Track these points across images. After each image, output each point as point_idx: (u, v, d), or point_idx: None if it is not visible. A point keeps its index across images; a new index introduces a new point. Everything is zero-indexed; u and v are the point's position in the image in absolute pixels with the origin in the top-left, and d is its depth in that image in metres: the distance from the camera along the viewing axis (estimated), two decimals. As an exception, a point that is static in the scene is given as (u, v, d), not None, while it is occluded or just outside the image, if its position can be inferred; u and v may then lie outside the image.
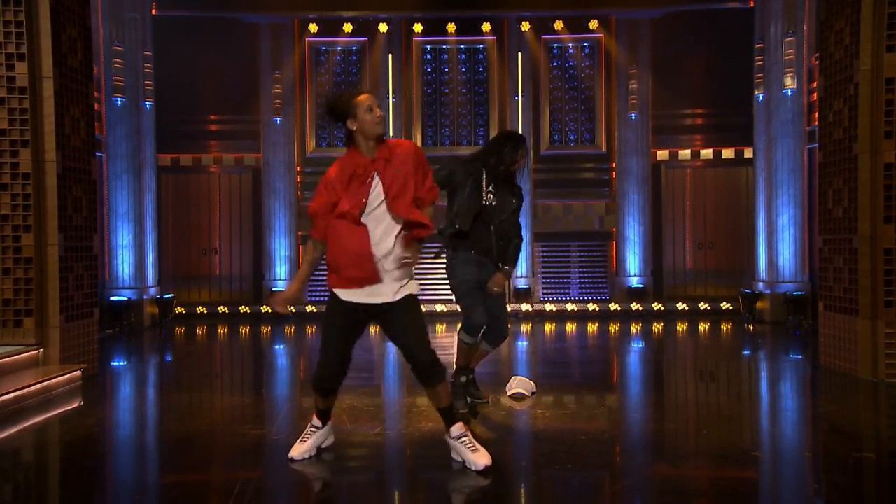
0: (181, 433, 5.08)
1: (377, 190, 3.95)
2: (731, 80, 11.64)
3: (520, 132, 6.38)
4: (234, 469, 4.30)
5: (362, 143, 4.03)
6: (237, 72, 11.95)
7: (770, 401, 6.40)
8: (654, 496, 3.86)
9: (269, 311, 11.79)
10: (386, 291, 4.01)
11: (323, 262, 4.20)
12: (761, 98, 11.06)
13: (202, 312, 11.83)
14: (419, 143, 12.12)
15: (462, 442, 4.16)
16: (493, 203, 5.34)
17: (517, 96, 12.01)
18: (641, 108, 11.93)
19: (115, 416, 5.90)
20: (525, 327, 10.64)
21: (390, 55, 12.00)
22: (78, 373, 6.55)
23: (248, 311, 11.87)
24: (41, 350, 6.57)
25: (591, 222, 12.07)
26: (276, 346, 9.63)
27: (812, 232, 10.42)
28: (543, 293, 12.11)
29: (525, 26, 11.95)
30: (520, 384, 5.97)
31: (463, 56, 12.25)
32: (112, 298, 10.53)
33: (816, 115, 8.15)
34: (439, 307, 11.94)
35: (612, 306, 11.84)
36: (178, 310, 11.64)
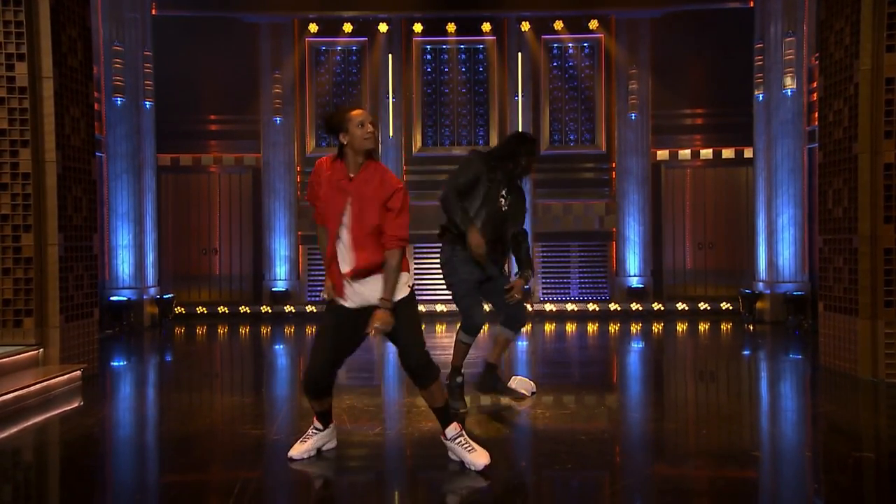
0: (181, 433, 5.08)
1: (346, 214, 3.99)
2: (731, 80, 11.65)
3: (530, 134, 6.39)
4: (234, 469, 4.30)
5: (350, 158, 4.04)
6: (237, 72, 11.95)
7: (770, 401, 6.40)
8: (654, 496, 3.86)
9: (269, 310, 11.80)
10: (369, 297, 4.02)
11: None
12: (761, 98, 11.06)
13: (202, 312, 11.83)
14: (419, 143, 12.13)
15: (458, 443, 4.17)
16: (506, 208, 5.35)
17: (517, 96, 12.01)
18: (641, 108, 11.93)
19: (115, 416, 5.90)
20: (525, 327, 10.61)
21: (390, 55, 12.00)
22: (78, 373, 6.56)
23: (248, 311, 11.87)
24: (41, 350, 6.57)
25: (591, 222, 12.07)
26: (276, 346, 9.63)
27: (812, 232, 10.42)
28: (543, 293, 12.11)
29: (525, 26, 11.95)
30: (519, 384, 5.97)
31: (463, 56, 12.24)
32: (112, 298, 10.54)
33: (816, 115, 8.15)
34: (439, 307, 11.93)
35: (612, 306, 11.84)
36: (178, 310, 11.64)
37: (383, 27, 11.92)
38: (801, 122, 10.67)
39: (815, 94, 8.75)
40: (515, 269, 6.10)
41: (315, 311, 11.77)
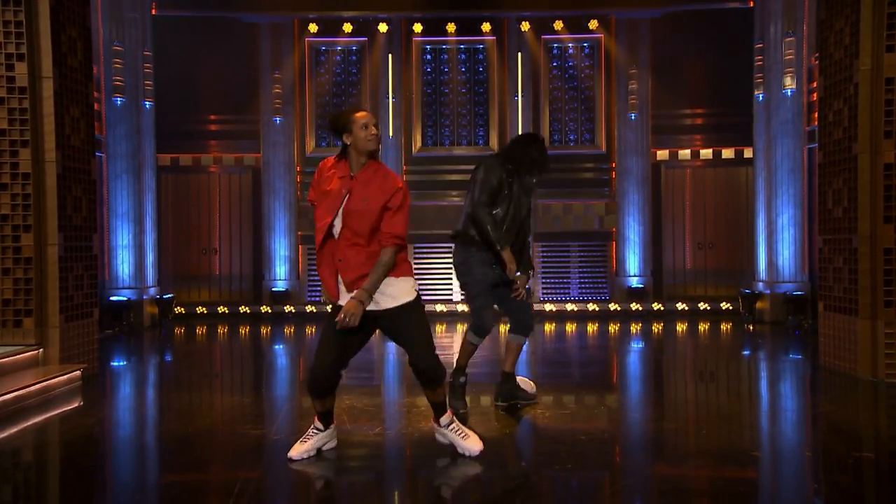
0: (181, 433, 5.07)
1: (341, 213, 4.00)
2: (731, 80, 11.65)
3: (539, 135, 6.50)
4: (234, 469, 4.30)
5: (354, 158, 4.07)
6: (237, 72, 11.95)
7: (770, 401, 6.40)
8: (654, 496, 3.86)
9: (269, 310, 11.80)
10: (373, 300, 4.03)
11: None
12: (761, 98, 11.06)
13: (202, 312, 11.83)
14: (419, 143, 12.13)
15: (452, 429, 4.27)
16: (522, 209, 5.38)
17: (517, 96, 12.02)
18: (641, 108, 11.93)
19: (115, 416, 5.90)
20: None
21: (390, 55, 12.00)
22: (78, 373, 6.55)
23: (248, 311, 11.86)
24: (41, 350, 6.57)
25: (590, 222, 12.07)
26: (276, 347, 9.63)
27: (812, 232, 10.42)
28: (543, 293, 12.11)
29: (525, 26, 11.95)
30: (519, 384, 5.96)
31: (463, 56, 12.24)
32: (112, 298, 10.53)
33: (816, 115, 8.14)
34: (439, 307, 11.94)
35: (612, 306, 11.84)
36: (178, 310, 11.64)
37: (383, 27, 11.92)
38: (800, 122, 10.67)
39: (815, 94, 8.75)
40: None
41: (315, 311, 11.77)
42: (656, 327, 10.59)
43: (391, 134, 11.89)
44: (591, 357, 8.70)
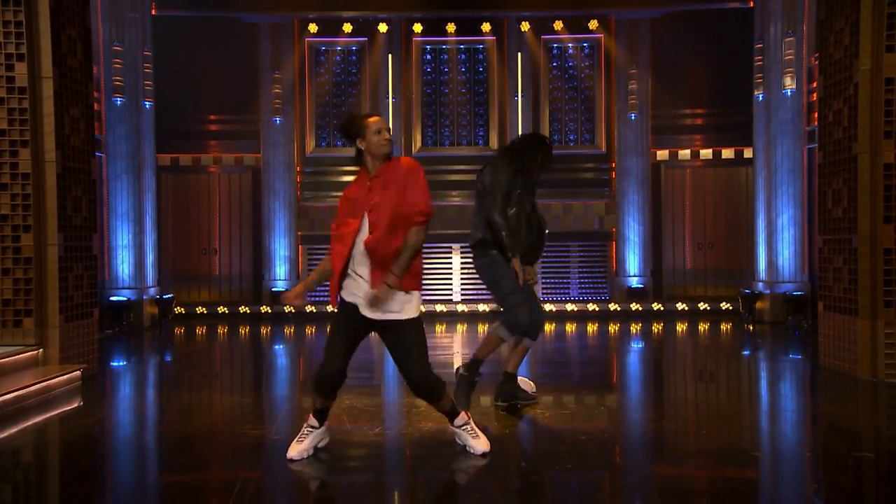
0: (181, 433, 5.08)
1: (366, 220, 4.07)
2: (731, 80, 11.65)
3: (545, 135, 6.65)
4: (234, 469, 4.30)
5: (369, 162, 4.18)
6: (237, 72, 11.95)
7: (770, 401, 6.40)
8: (654, 496, 3.86)
9: (269, 310, 11.80)
10: (382, 308, 4.08)
11: None
12: (761, 98, 11.06)
13: (202, 312, 11.83)
14: (419, 144, 12.13)
15: (465, 430, 4.37)
16: (527, 207, 5.40)
17: (517, 96, 12.02)
18: (641, 108, 11.93)
19: (115, 416, 5.90)
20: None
21: (390, 55, 12.01)
22: (78, 373, 6.55)
23: (248, 311, 11.87)
24: (41, 350, 6.57)
25: (590, 222, 12.07)
26: (276, 346, 9.63)
27: (812, 232, 10.42)
28: (543, 293, 12.10)
29: (525, 26, 11.95)
30: (522, 385, 5.96)
31: (463, 56, 12.24)
32: (112, 298, 10.53)
33: (816, 115, 8.15)
34: (439, 307, 11.94)
35: (612, 306, 11.84)
36: (178, 310, 11.64)
37: (383, 27, 11.92)
38: (800, 122, 10.67)
39: (815, 94, 8.75)
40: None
41: (315, 311, 11.77)
42: (656, 327, 10.59)
43: (391, 133, 11.88)
44: (591, 357, 8.70)
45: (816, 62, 8.48)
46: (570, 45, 12.13)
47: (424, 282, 11.27)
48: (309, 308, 11.81)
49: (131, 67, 10.81)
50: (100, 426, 5.42)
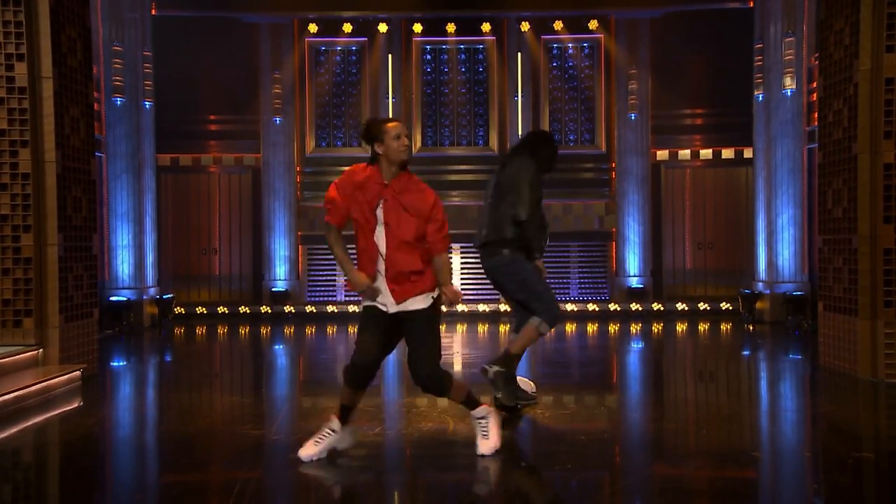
0: (181, 433, 5.08)
1: (379, 215, 4.12)
2: (731, 80, 11.64)
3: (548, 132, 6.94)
4: (234, 469, 4.30)
5: (385, 167, 4.18)
6: (237, 72, 11.94)
7: (770, 401, 6.40)
8: (654, 496, 3.86)
9: (269, 310, 11.79)
10: (408, 304, 4.15)
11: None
12: (761, 98, 11.06)
13: (202, 312, 11.83)
14: (419, 144, 12.12)
15: (479, 424, 4.35)
16: (540, 207, 5.49)
17: (517, 96, 12.01)
18: (641, 108, 11.93)
19: (115, 416, 5.90)
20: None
21: (390, 55, 12.00)
22: (78, 373, 6.55)
23: (248, 311, 11.86)
24: (41, 350, 6.57)
25: (590, 222, 12.07)
26: (276, 346, 9.63)
27: (812, 232, 10.42)
28: (543, 293, 12.08)
29: (525, 26, 11.95)
30: (520, 384, 5.95)
31: (463, 56, 12.24)
32: (112, 298, 10.53)
33: (816, 115, 8.15)
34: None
35: (612, 306, 11.84)
36: (178, 310, 11.63)
37: (383, 27, 11.92)
38: (800, 123, 10.67)
39: (815, 94, 8.75)
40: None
41: (315, 311, 11.77)
42: (656, 327, 10.59)
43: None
44: (591, 357, 8.70)
45: (816, 62, 8.48)
46: (570, 45, 12.13)
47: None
48: (309, 308, 11.81)
49: (131, 67, 10.81)
50: (100, 426, 5.42)
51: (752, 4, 11.33)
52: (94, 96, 7.80)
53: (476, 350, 8.83)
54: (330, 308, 11.83)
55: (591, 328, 10.56)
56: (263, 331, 10.63)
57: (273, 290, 11.86)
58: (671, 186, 12.16)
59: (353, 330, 9.91)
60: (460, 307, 11.84)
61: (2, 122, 6.49)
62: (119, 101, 10.69)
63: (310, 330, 10.57)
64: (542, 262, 5.59)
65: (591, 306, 11.90)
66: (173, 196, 12.06)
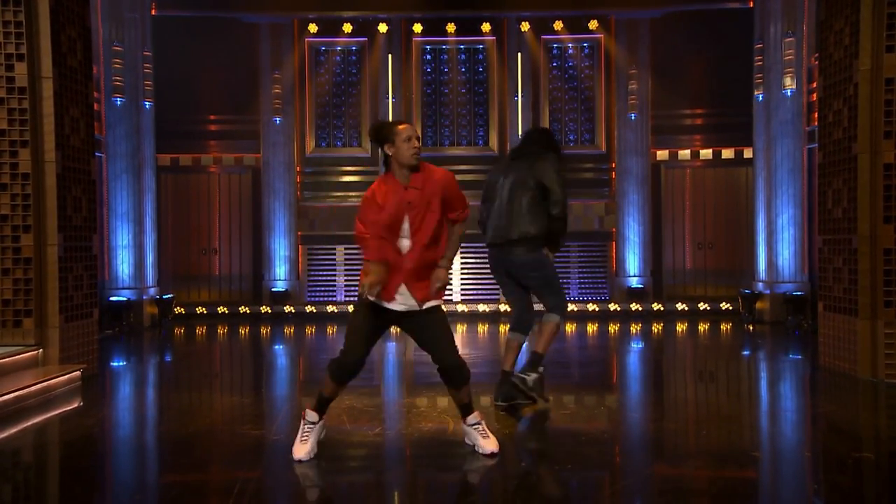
0: (181, 433, 5.08)
1: (405, 228, 4.17)
2: (731, 80, 11.64)
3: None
4: (234, 469, 4.31)
5: (397, 169, 4.20)
6: (237, 72, 11.95)
7: (770, 401, 6.40)
8: (654, 496, 3.86)
9: (269, 310, 11.79)
10: (411, 301, 4.20)
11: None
12: (761, 98, 11.06)
13: (202, 312, 11.83)
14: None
15: (475, 428, 4.39)
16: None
17: (517, 96, 12.01)
18: (641, 109, 11.93)
19: (114, 416, 5.90)
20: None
21: (390, 55, 12.00)
22: (78, 373, 6.55)
23: (248, 311, 11.86)
24: (41, 350, 6.57)
25: (590, 222, 12.07)
26: (276, 347, 9.63)
27: (812, 232, 10.42)
28: (543, 293, 12.08)
29: (525, 26, 11.95)
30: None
31: (463, 56, 12.24)
32: (112, 299, 10.53)
33: (816, 115, 8.15)
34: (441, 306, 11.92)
35: (612, 306, 11.84)
36: (178, 310, 11.63)
37: (383, 27, 11.92)
38: (800, 123, 10.67)
39: (815, 95, 8.75)
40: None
41: (314, 311, 11.77)
42: (656, 327, 10.59)
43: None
44: (591, 357, 8.70)
45: (816, 62, 8.48)
46: (570, 45, 12.13)
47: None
48: (309, 308, 11.81)
49: (131, 67, 10.81)
50: (100, 426, 5.42)
51: (752, 4, 11.33)
52: (94, 96, 7.80)
53: (476, 350, 8.83)
54: (330, 308, 11.83)
55: (591, 328, 10.56)
56: (263, 331, 10.63)
57: (273, 290, 11.86)
58: (671, 186, 12.16)
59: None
60: (460, 307, 11.84)
61: (2, 122, 6.49)
62: (119, 101, 10.69)
63: (310, 330, 10.57)
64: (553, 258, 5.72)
65: (591, 306, 11.90)
66: (173, 196, 12.06)
